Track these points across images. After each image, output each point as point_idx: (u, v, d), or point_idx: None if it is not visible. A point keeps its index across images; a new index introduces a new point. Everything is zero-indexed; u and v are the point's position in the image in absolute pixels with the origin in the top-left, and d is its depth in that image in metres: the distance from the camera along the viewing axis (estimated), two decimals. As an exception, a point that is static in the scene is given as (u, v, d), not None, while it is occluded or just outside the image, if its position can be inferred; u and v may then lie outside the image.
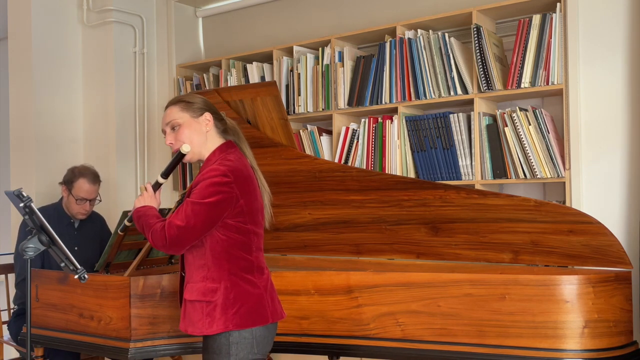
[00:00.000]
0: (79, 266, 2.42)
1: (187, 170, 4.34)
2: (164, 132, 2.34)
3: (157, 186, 2.37)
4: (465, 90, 3.29)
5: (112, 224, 3.94)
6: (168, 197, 4.35)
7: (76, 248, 3.52)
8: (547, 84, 3.06)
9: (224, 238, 2.18)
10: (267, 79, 4.02)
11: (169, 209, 3.05)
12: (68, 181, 3.54)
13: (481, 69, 3.20)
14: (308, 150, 3.79)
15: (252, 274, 2.23)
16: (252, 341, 2.18)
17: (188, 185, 4.27)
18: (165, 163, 4.40)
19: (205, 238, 2.19)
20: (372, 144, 3.53)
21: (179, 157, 2.30)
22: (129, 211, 2.97)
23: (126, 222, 2.45)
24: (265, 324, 2.22)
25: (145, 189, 2.36)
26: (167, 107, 2.34)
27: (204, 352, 2.24)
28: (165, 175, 2.36)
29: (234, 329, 2.15)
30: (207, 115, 2.31)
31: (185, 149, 2.27)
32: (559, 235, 2.69)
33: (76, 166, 3.61)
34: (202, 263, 2.20)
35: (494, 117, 3.25)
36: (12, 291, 3.69)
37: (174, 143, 2.30)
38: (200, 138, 2.29)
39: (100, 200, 3.66)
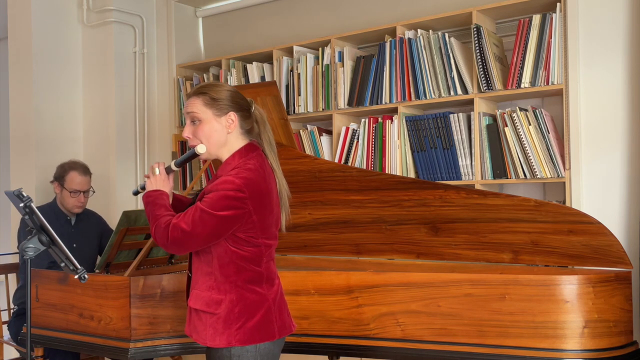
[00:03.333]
0: (79, 266, 2.42)
1: (187, 171, 4.34)
2: (186, 118, 2.19)
3: (169, 170, 2.23)
4: (465, 90, 3.29)
5: (111, 224, 3.95)
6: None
7: (74, 245, 3.55)
8: (547, 84, 3.06)
9: (233, 249, 2.07)
10: (267, 79, 4.02)
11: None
12: (59, 176, 3.60)
13: (481, 69, 3.20)
14: (308, 150, 3.79)
15: (260, 285, 2.12)
16: (255, 354, 2.08)
17: (188, 184, 4.28)
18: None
19: (213, 247, 2.09)
20: (372, 144, 3.53)
21: (192, 154, 2.16)
22: (130, 211, 2.98)
23: (139, 189, 2.29)
24: (272, 340, 2.11)
25: (158, 170, 2.20)
26: (191, 95, 2.16)
27: None
28: (178, 165, 2.23)
29: (237, 345, 2.06)
30: (232, 115, 2.12)
31: (200, 150, 2.13)
32: (559, 235, 2.69)
33: (64, 162, 3.67)
34: (209, 270, 2.10)
35: (494, 117, 3.25)
36: (12, 291, 3.69)
37: (191, 138, 2.15)
38: (220, 138, 2.12)
39: (94, 192, 3.70)
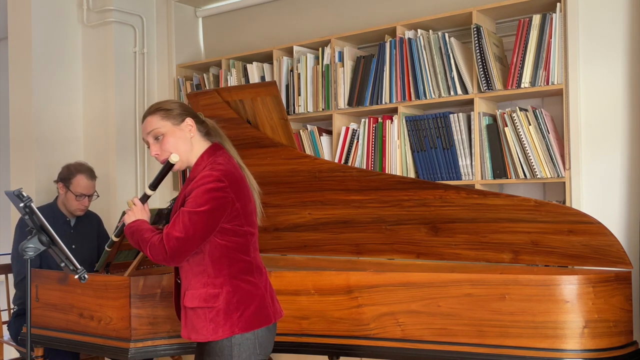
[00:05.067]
0: (79, 266, 2.42)
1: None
2: (146, 143, 2.27)
3: (145, 198, 2.31)
4: (465, 90, 3.29)
5: (111, 224, 3.95)
6: (169, 198, 4.35)
7: (73, 246, 3.54)
8: (547, 84, 3.06)
9: (222, 242, 2.15)
10: (267, 79, 4.02)
11: (168, 210, 3.03)
12: (65, 178, 3.57)
13: (481, 69, 3.20)
14: (308, 150, 3.79)
15: (252, 275, 2.20)
16: (254, 342, 2.16)
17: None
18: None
19: (203, 245, 2.15)
20: (372, 144, 3.53)
21: (167, 167, 2.24)
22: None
23: (113, 238, 2.39)
24: (269, 325, 2.21)
25: (134, 203, 2.29)
26: (145, 117, 2.27)
27: (205, 356, 2.18)
28: (153, 187, 2.30)
29: (239, 332, 2.13)
30: (189, 121, 2.25)
31: (174, 158, 2.21)
32: (559, 235, 2.69)
33: (71, 163, 3.65)
34: (201, 269, 2.16)
35: (494, 117, 3.25)
36: (12, 291, 3.69)
37: (160, 154, 2.24)
38: (186, 145, 2.24)
39: (98, 196, 3.68)
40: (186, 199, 2.15)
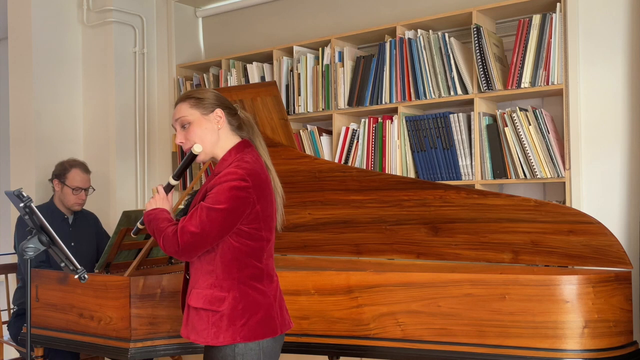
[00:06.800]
0: (79, 266, 2.42)
1: (187, 171, 4.33)
2: (174, 128, 2.22)
3: (169, 188, 2.25)
4: (465, 90, 3.29)
5: (111, 224, 3.95)
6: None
7: (72, 244, 3.56)
8: (547, 84, 3.06)
9: (236, 245, 2.08)
10: (267, 79, 4.02)
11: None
12: (60, 174, 3.62)
13: (481, 69, 3.20)
14: (308, 150, 3.79)
15: (261, 282, 2.12)
16: (259, 352, 2.08)
17: (188, 185, 4.27)
18: (165, 163, 4.43)
19: (217, 243, 2.08)
20: (372, 144, 3.53)
21: (190, 157, 2.17)
22: (130, 211, 2.98)
23: (139, 225, 2.30)
24: (274, 336, 2.12)
25: (157, 191, 2.23)
26: (176, 103, 2.22)
27: None
28: (177, 176, 2.24)
29: (242, 342, 2.05)
30: (219, 112, 2.16)
31: (197, 149, 2.14)
32: (559, 235, 2.69)
33: (64, 160, 3.69)
34: (210, 269, 2.09)
35: (494, 117, 3.25)
36: (12, 291, 3.69)
37: (185, 142, 2.17)
38: (212, 137, 2.15)
39: (94, 190, 3.71)
40: (207, 194, 2.08)
